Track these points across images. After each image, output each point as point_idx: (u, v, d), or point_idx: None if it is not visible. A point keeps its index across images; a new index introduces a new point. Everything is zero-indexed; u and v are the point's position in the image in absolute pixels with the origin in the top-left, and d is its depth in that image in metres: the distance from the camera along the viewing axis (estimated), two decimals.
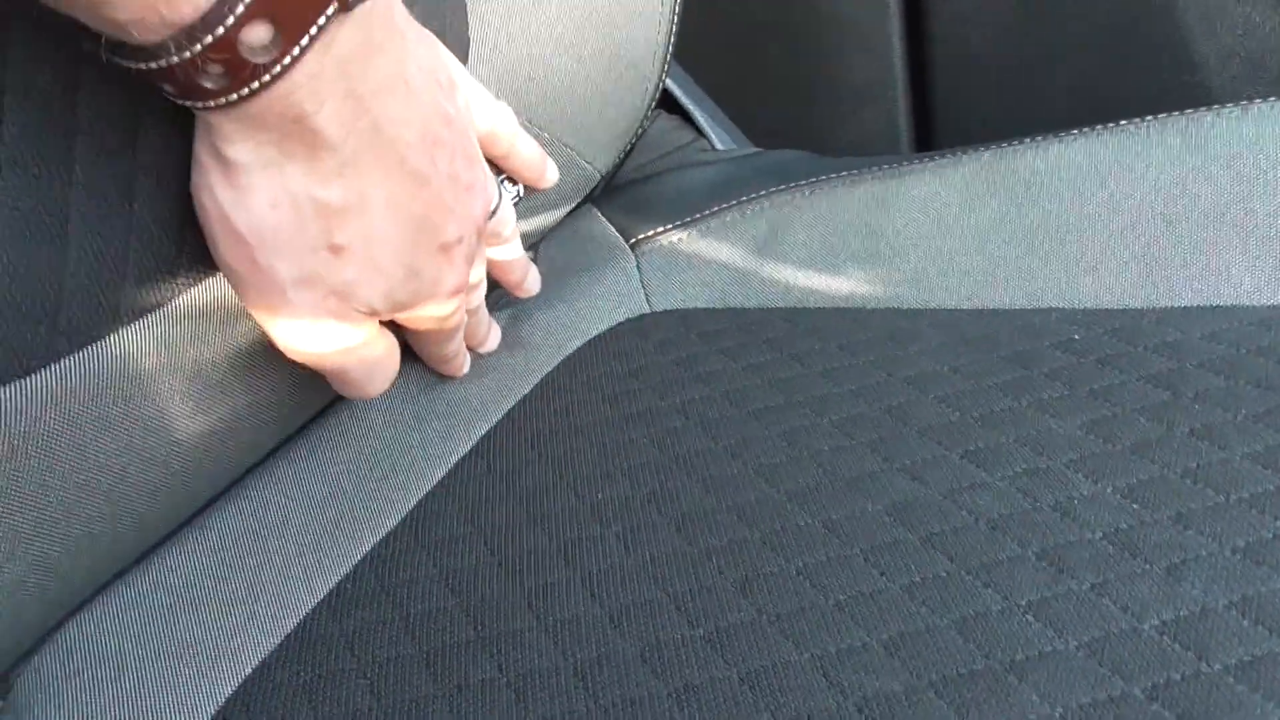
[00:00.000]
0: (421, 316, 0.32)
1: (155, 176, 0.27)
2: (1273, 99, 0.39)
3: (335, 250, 0.27)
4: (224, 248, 0.27)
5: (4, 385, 0.26)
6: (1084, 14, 0.50)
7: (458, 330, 0.37)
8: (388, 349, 0.33)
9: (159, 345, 0.29)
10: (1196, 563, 0.26)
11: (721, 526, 0.31)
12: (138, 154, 0.27)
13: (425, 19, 0.30)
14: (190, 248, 0.29)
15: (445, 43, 0.33)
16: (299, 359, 0.31)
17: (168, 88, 0.24)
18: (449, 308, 0.32)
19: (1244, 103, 0.39)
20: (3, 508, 0.27)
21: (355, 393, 0.33)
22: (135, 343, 0.28)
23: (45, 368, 0.26)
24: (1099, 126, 0.41)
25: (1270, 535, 0.26)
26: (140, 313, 0.29)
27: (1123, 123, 0.41)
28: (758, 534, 0.30)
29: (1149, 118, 0.41)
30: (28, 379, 0.26)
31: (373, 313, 0.30)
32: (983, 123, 0.54)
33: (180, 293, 0.29)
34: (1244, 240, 0.37)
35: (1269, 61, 0.48)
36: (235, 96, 0.23)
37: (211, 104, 0.24)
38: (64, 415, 0.27)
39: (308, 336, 0.30)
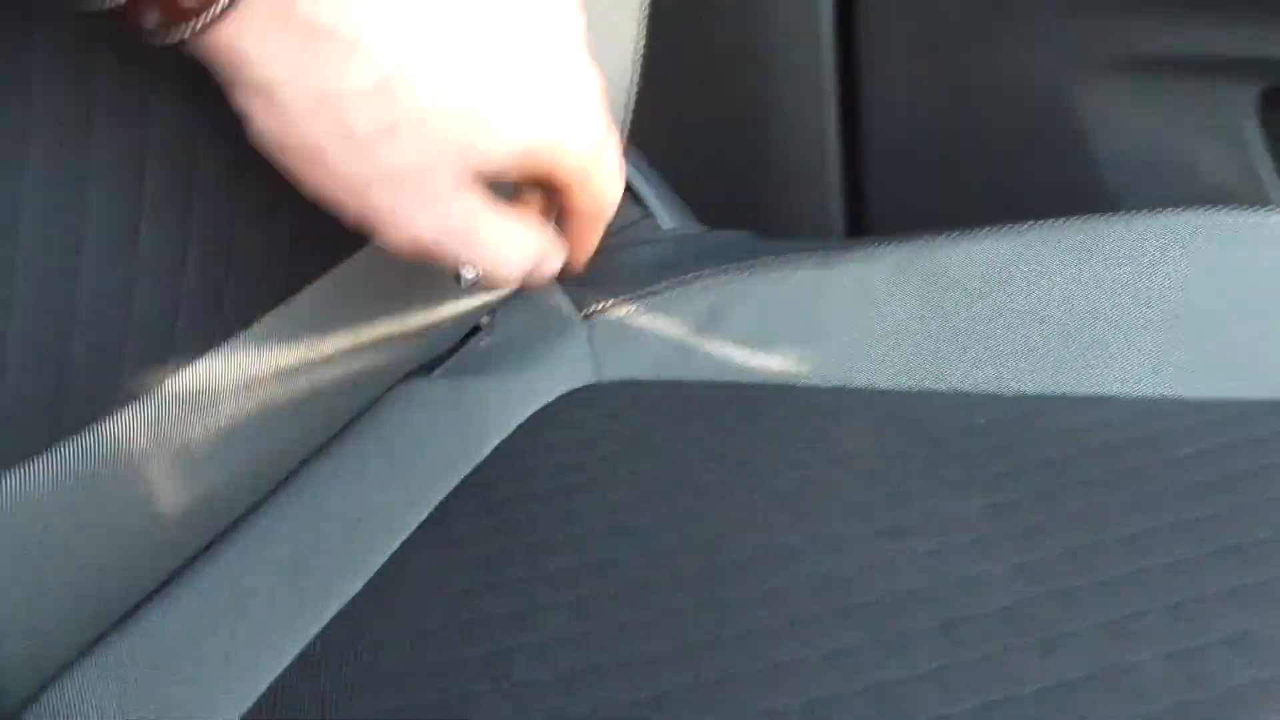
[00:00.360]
0: (572, 171, 0.29)
1: (151, 272, 0.30)
2: (1153, 211, 0.44)
3: (391, 131, 0.26)
4: (313, 182, 0.27)
5: (8, 469, 0.28)
6: (1001, 113, 0.55)
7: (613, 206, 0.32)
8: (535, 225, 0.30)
9: (150, 426, 0.32)
10: (1069, 637, 0.30)
11: (664, 596, 0.34)
12: (139, 250, 0.30)
13: None
14: (181, 332, 0.32)
15: None
16: (450, 258, 0.29)
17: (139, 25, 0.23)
18: (600, 155, 0.29)
19: (1130, 214, 0.44)
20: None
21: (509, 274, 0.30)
22: (129, 424, 0.31)
23: (47, 451, 0.29)
24: (1005, 227, 0.46)
25: (1131, 612, 0.30)
26: (132, 396, 0.31)
27: (1026, 225, 0.46)
28: (695, 603, 0.34)
29: (1049, 221, 0.46)
30: (33, 461, 0.29)
31: (499, 171, 0.27)
32: (911, 206, 0.59)
33: (169, 375, 0.32)
34: (1124, 336, 0.42)
35: (1163, 166, 0.53)
36: None
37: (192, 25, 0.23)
38: (60, 497, 0.30)
39: (426, 225, 0.28)
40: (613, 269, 0.52)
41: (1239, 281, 0.42)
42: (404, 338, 0.43)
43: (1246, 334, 0.41)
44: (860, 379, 0.44)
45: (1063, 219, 0.46)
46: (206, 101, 0.27)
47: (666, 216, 0.56)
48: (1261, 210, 0.44)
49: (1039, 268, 0.45)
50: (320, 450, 0.42)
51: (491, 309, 0.51)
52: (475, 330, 0.51)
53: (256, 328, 0.35)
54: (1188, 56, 0.50)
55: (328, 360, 0.39)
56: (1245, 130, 0.51)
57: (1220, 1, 0.48)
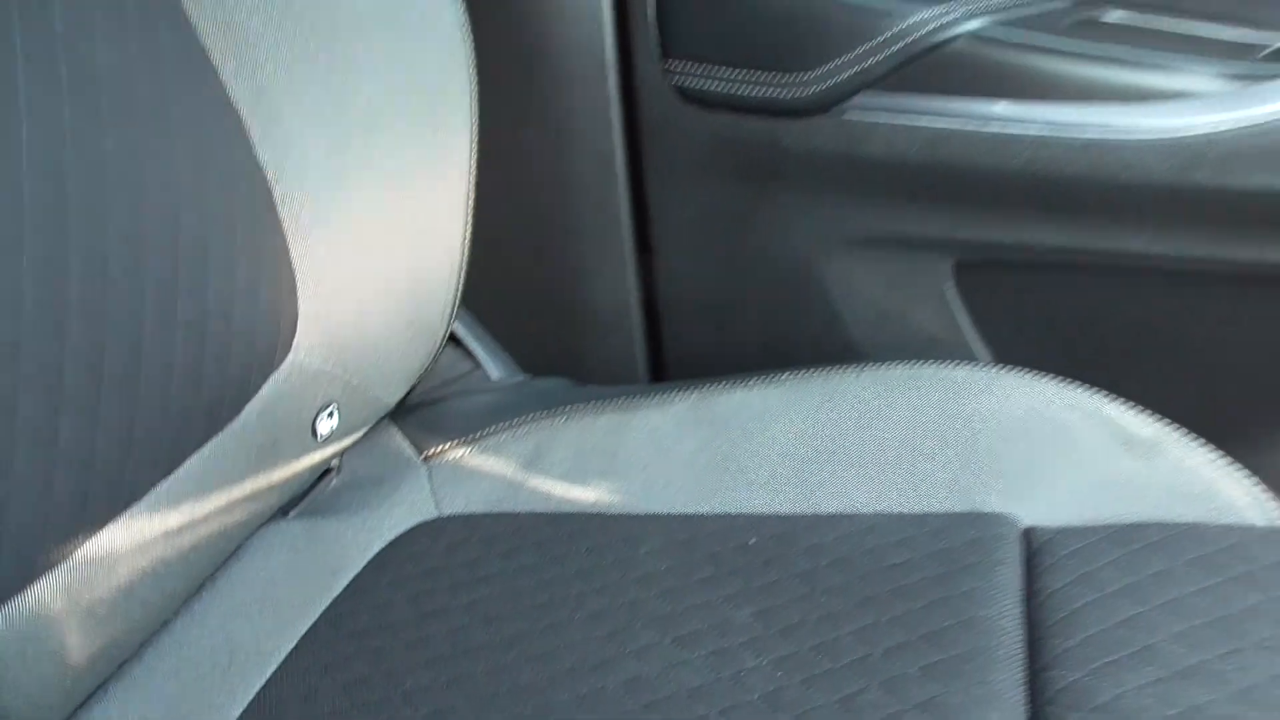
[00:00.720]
0: None
1: (67, 463, 0.36)
2: (878, 365, 0.57)
3: None
4: None
5: None
6: (766, 279, 0.68)
7: None
8: None
9: (63, 591, 0.37)
10: (814, 710, 0.40)
11: (505, 704, 0.42)
12: (59, 444, 0.36)
13: None
14: (90, 509, 0.38)
15: None
16: None
17: None
18: None
19: (860, 366, 0.57)
20: None
21: None
22: (46, 592, 0.37)
23: None
24: (769, 375, 0.58)
25: (858, 689, 0.41)
26: (49, 566, 0.37)
27: (784, 374, 0.58)
28: (530, 709, 0.42)
29: (801, 371, 0.57)
30: None
31: None
32: (701, 353, 0.71)
33: (80, 546, 0.38)
34: (857, 466, 0.53)
35: (890, 321, 0.67)
36: None
37: None
38: None
39: None
40: (447, 415, 0.61)
41: (941, 420, 0.55)
42: (270, 489, 0.50)
43: (947, 461, 0.53)
44: (657, 507, 0.54)
45: (811, 369, 0.58)
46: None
47: (494, 367, 0.64)
48: (959, 364, 0.57)
49: (793, 410, 0.56)
50: (198, 591, 0.47)
51: (340, 453, 0.58)
52: (326, 473, 0.58)
53: (149, 497, 0.41)
54: (901, 237, 0.65)
55: (206, 518, 0.45)
56: (946, 292, 0.66)
57: (921, 199, 0.62)
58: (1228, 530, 0.46)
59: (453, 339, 0.66)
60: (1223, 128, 0.54)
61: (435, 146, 0.54)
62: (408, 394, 0.61)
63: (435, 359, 0.59)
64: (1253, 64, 0.55)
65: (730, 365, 0.61)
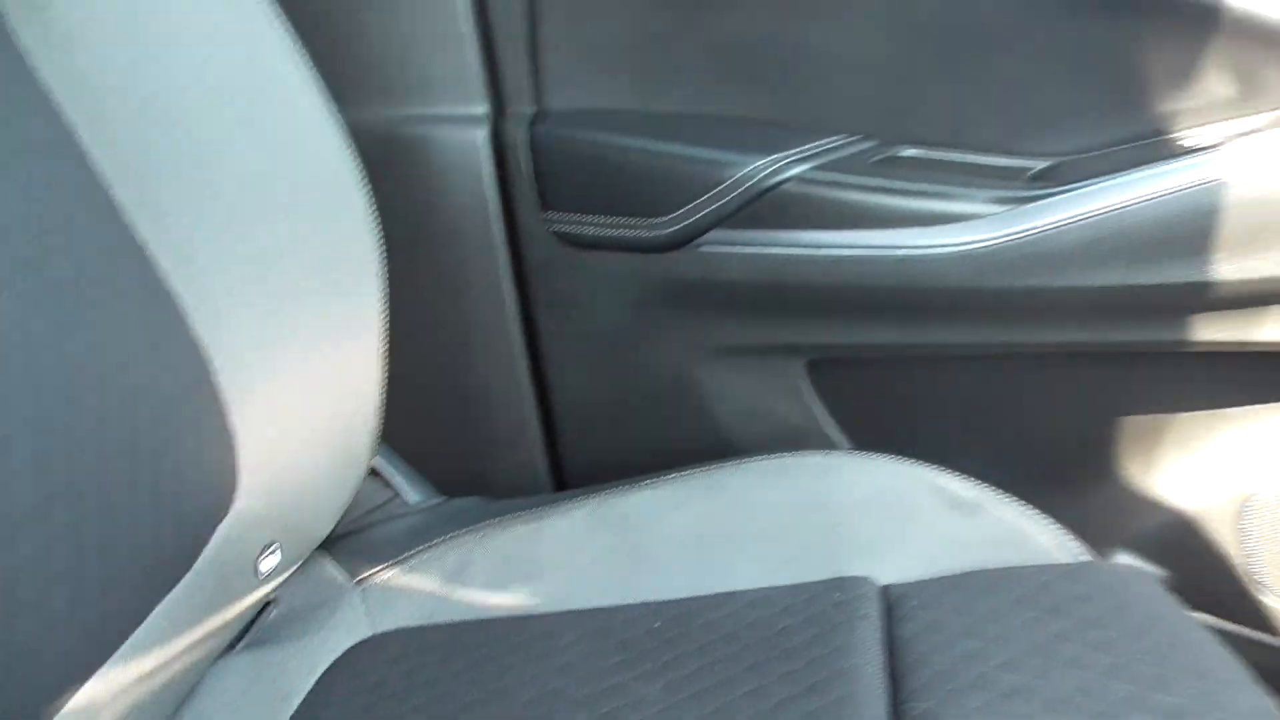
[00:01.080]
0: None
1: (59, 625, 0.41)
2: (752, 458, 0.66)
3: None
4: None
5: None
6: (650, 388, 0.77)
7: None
8: None
9: None
10: None
11: None
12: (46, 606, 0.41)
13: None
14: (72, 668, 0.43)
15: None
16: None
17: None
18: None
19: (738, 460, 0.66)
20: None
21: None
22: None
23: None
24: (659, 476, 0.66)
25: None
26: None
27: (672, 473, 0.66)
28: None
29: (687, 470, 0.66)
30: None
31: None
32: (599, 461, 0.79)
33: (66, 701, 0.43)
34: (740, 548, 0.62)
35: (759, 416, 0.77)
36: None
37: None
38: None
39: None
40: (374, 542, 0.67)
41: (806, 501, 0.64)
42: (222, 627, 0.55)
43: (813, 536, 0.62)
44: (572, 603, 0.61)
45: (694, 467, 0.67)
46: None
47: (411, 493, 0.71)
48: (817, 452, 0.67)
49: (681, 505, 0.65)
50: None
51: (274, 588, 0.64)
52: (267, 605, 0.63)
53: (123, 649, 0.46)
54: (759, 345, 0.75)
55: (170, 661, 0.50)
56: (802, 388, 0.76)
57: (772, 313, 0.73)
58: (1040, 570, 0.56)
59: (372, 471, 0.73)
60: (1002, 241, 0.66)
61: (350, 308, 0.61)
62: (337, 525, 0.67)
63: (358, 489, 0.66)
64: (1021, 185, 0.68)
65: (625, 469, 0.70)
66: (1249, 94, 0.65)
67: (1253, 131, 0.64)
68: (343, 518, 0.69)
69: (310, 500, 0.61)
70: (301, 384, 0.58)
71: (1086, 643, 0.50)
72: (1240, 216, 0.63)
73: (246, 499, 0.54)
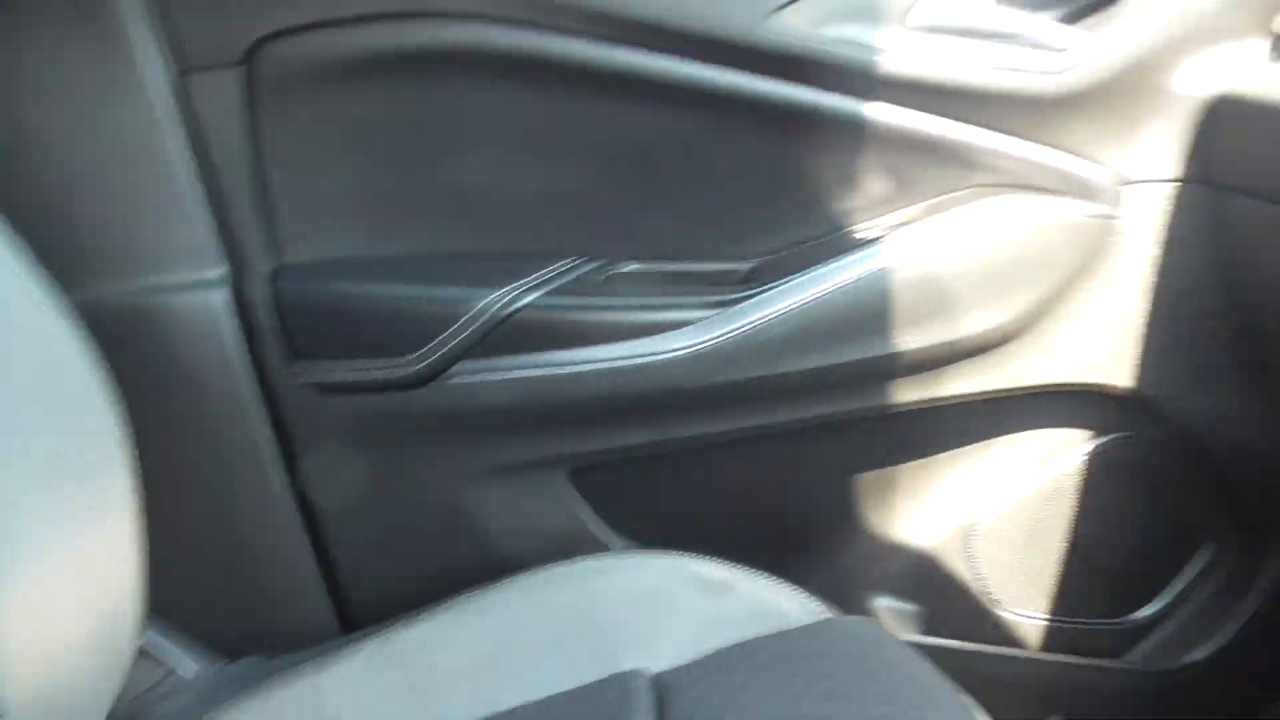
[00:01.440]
0: None
1: None
2: (522, 574, 0.69)
3: None
4: None
5: None
6: (408, 514, 0.80)
7: None
8: None
9: None
10: None
11: None
12: None
13: None
14: None
15: None
16: None
17: None
18: None
19: (511, 579, 0.69)
20: None
21: None
22: None
23: None
24: (434, 608, 0.68)
25: None
26: None
27: (448, 602, 0.69)
28: None
29: (465, 596, 0.69)
30: None
31: None
32: (383, 595, 0.81)
33: None
34: (524, 661, 0.65)
35: (536, 529, 0.81)
36: None
37: None
38: None
39: None
40: None
41: (578, 606, 0.68)
42: None
43: (588, 639, 0.66)
44: None
45: (471, 590, 0.70)
46: None
47: (190, 664, 0.70)
48: (584, 558, 0.71)
49: (460, 631, 0.67)
50: None
51: None
52: None
53: None
54: (519, 462, 0.80)
55: None
56: (568, 497, 0.81)
57: (527, 430, 0.78)
58: (781, 636, 0.62)
59: (143, 651, 0.71)
60: (720, 339, 0.74)
61: (95, 491, 0.61)
62: (111, 714, 0.65)
63: (126, 671, 0.65)
64: (733, 288, 0.77)
65: (412, 602, 0.71)
66: (902, 190, 0.76)
67: (909, 221, 0.76)
68: (115, 705, 0.67)
69: (77, 695, 0.59)
70: (53, 574, 0.57)
71: (823, 694, 0.56)
72: (907, 295, 0.74)
73: (13, 704, 0.53)
